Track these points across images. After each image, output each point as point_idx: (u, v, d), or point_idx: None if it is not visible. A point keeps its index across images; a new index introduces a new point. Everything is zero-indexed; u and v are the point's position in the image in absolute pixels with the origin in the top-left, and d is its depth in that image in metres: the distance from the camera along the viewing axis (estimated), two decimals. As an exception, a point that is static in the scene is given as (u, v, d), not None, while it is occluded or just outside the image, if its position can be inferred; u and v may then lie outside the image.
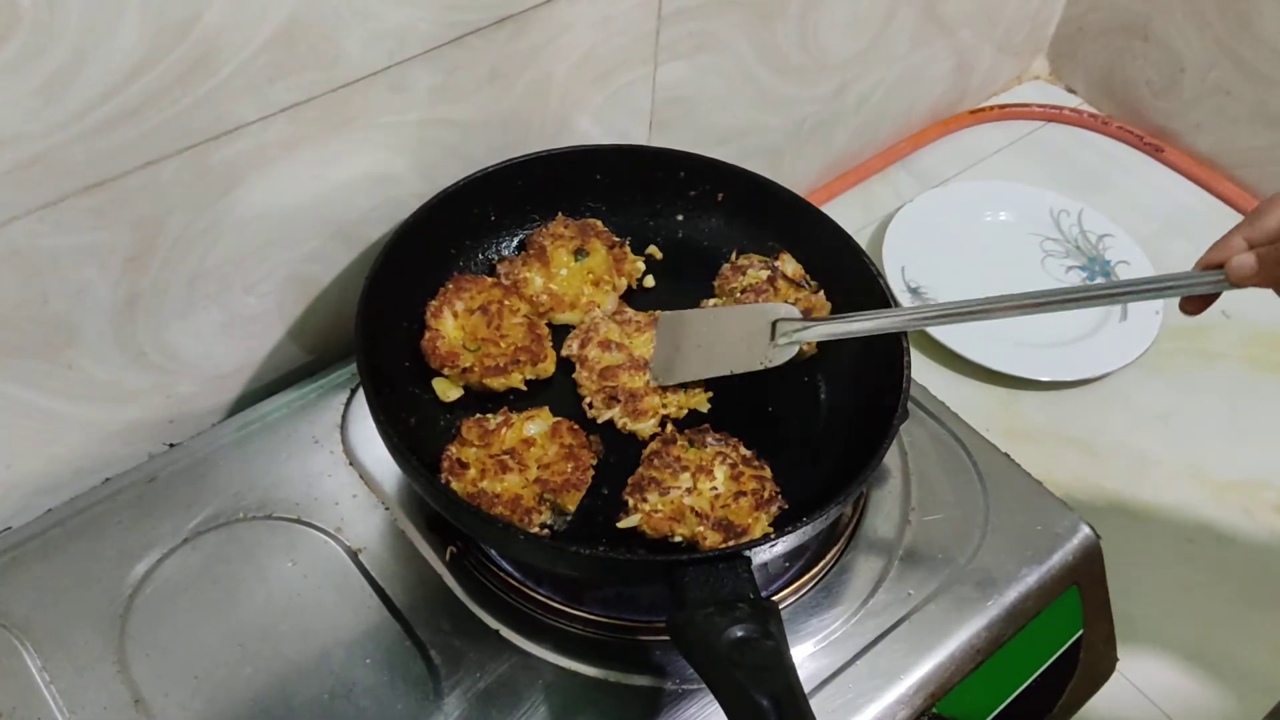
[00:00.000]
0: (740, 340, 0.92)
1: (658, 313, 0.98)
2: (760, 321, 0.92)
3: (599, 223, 1.03)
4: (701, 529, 0.82)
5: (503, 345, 0.92)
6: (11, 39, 0.67)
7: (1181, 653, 1.04)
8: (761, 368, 0.91)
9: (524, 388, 0.93)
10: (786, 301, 0.97)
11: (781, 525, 0.83)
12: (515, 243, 1.03)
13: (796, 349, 0.90)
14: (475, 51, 0.92)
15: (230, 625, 0.84)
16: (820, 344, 0.97)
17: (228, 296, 0.93)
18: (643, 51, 1.05)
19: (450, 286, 0.95)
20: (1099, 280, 0.75)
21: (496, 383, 0.91)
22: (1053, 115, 1.57)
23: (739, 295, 0.98)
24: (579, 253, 0.99)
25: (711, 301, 1.00)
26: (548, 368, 0.94)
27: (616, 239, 1.02)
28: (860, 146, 1.45)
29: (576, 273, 0.99)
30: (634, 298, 1.02)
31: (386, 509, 0.91)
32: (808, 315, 0.94)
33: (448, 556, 0.88)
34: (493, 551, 0.88)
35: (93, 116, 0.73)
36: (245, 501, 0.91)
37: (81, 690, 0.80)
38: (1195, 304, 0.79)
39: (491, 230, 1.02)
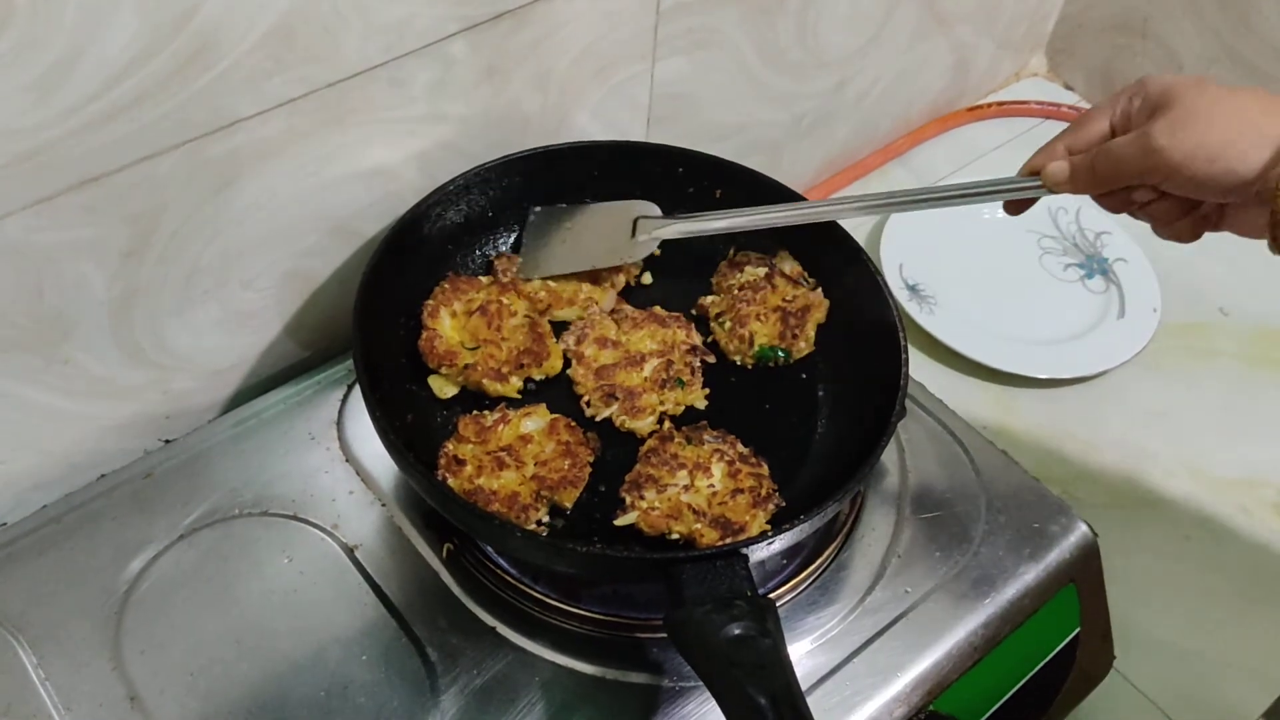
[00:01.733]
0: (604, 236, 0.96)
1: (657, 308, 0.98)
2: (623, 218, 0.96)
3: None
4: (699, 526, 0.82)
5: (504, 348, 0.92)
6: (6, 33, 0.67)
7: (1178, 650, 1.04)
8: (621, 263, 0.96)
9: (519, 396, 0.92)
10: (784, 299, 0.97)
11: (779, 523, 0.82)
12: (513, 239, 1.03)
13: (655, 245, 0.95)
14: (473, 47, 0.91)
15: (226, 622, 0.84)
16: (817, 341, 0.97)
17: (224, 292, 0.92)
18: (641, 47, 1.05)
19: (446, 287, 0.94)
20: (989, 184, 0.84)
21: (494, 388, 0.91)
22: (1051, 112, 1.57)
23: (737, 292, 0.98)
24: None
25: (708, 297, 1.00)
26: (554, 365, 0.94)
27: None
28: (859, 143, 1.45)
29: None
30: (632, 294, 1.02)
31: (383, 505, 0.91)
32: (668, 215, 0.97)
33: (444, 553, 0.88)
34: (489, 548, 0.88)
35: (88, 111, 0.73)
36: (241, 498, 0.91)
37: (77, 687, 0.80)
38: (1015, 206, 0.84)
39: (489, 226, 1.02)
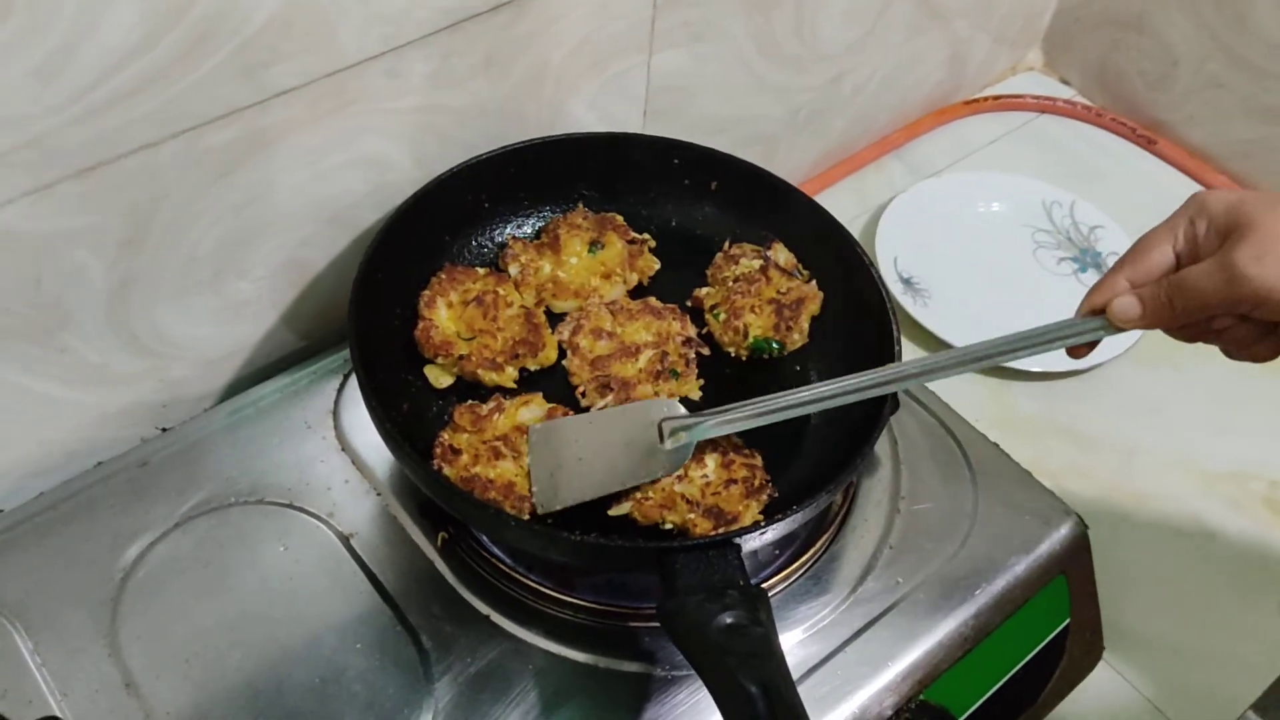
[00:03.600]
0: (627, 448, 0.83)
1: (652, 300, 0.98)
2: (642, 424, 0.83)
3: (619, 217, 1.03)
4: (692, 516, 0.82)
5: (500, 338, 0.92)
6: (7, 20, 0.67)
7: (1167, 642, 1.05)
8: (660, 478, 0.83)
9: (514, 386, 0.93)
10: (778, 291, 0.97)
11: (772, 513, 0.83)
12: (509, 229, 1.03)
13: (692, 449, 0.82)
14: (471, 38, 0.92)
15: (222, 609, 0.84)
16: (811, 333, 0.98)
17: (221, 281, 0.93)
18: (638, 39, 1.05)
19: (442, 277, 0.95)
20: (1006, 336, 0.75)
21: (489, 377, 0.91)
22: (1046, 107, 1.57)
23: (732, 284, 0.98)
24: (593, 245, 0.99)
25: (705, 293, 1.01)
26: (549, 355, 0.94)
27: (636, 235, 1.02)
28: (855, 136, 1.45)
29: (587, 264, 0.99)
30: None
31: (378, 494, 0.92)
32: (690, 407, 0.86)
33: (439, 542, 0.89)
34: (484, 537, 0.88)
35: (88, 99, 0.73)
36: (237, 486, 0.91)
37: (73, 673, 0.80)
38: (1082, 350, 0.78)
39: (486, 217, 1.03)
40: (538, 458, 0.84)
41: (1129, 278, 0.75)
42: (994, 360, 0.77)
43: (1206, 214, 0.73)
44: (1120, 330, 0.74)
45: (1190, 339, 0.76)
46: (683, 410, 0.83)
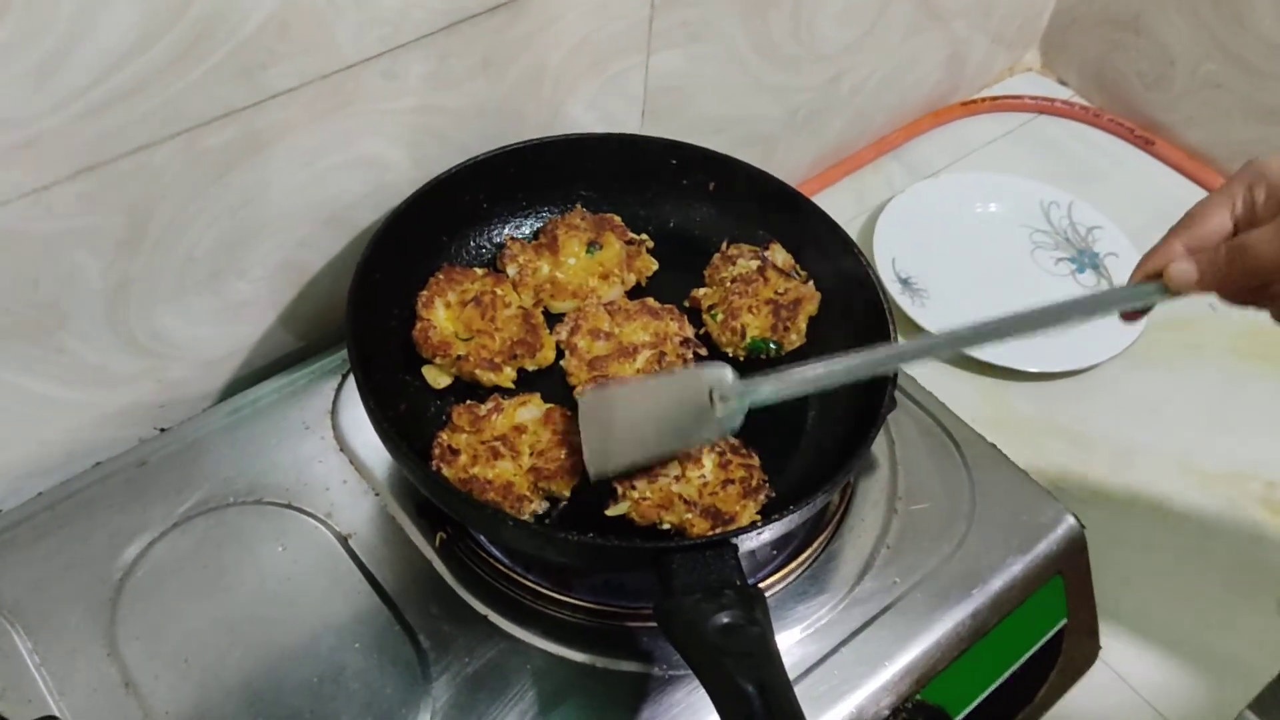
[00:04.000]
0: (678, 414, 0.82)
1: (649, 300, 0.98)
2: (693, 389, 0.82)
3: (617, 217, 1.03)
4: (689, 516, 0.82)
5: (498, 339, 0.93)
6: (4, 20, 0.67)
7: (1164, 641, 1.05)
8: (713, 441, 0.84)
9: (513, 386, 0.93)
10: (776, 292, 0.97)
11: (769, 513, 0.83)
12: (507, 230, 1.04)
13: (743, 414, 0.81)
14: (468, 39, 0.92)
15: (220, 609, 0.84)
16: (808, 333, 0.98)
17: (219, 282, 0.93)
18: (636, 39, 1.05)
19: (440, 277, 0.95)
20: (1064, 299, 0.73)
21: (487, 377, 0.91)
22: (1044, 107, 1.58)
23: (729, 285, 0.98)
24: (591, 245, 1.00)
25: (702, 293, 1.01)
26: (547, 356, 0.94)
27: (634, 236, 1.02)
28: (853, 136, 1.45)
29: (585, 264, 0.99)
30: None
31: (376, 494, 0.92)
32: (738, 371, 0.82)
33: (437, 542, 0.89)
34: (482, 538, 0.89)
35: (85, 100, 0.73)
36: (236, 486, 0.91)
37: (72, 673, 0.80)
38: (1135, 313, 0.79)
39: (484, 217, 1.03)
40: (589, 424, 0.84)
41: (1184, 243, 0.75)
42: (1058, 324, 0.76)
43: (1265, 180, 0.73)
44: (1176, 296, 0.74)
45: (1242, 303, 0.76)
46: (733, 377, 0.81)
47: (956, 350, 0.78)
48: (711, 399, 0.80)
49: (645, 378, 0.89)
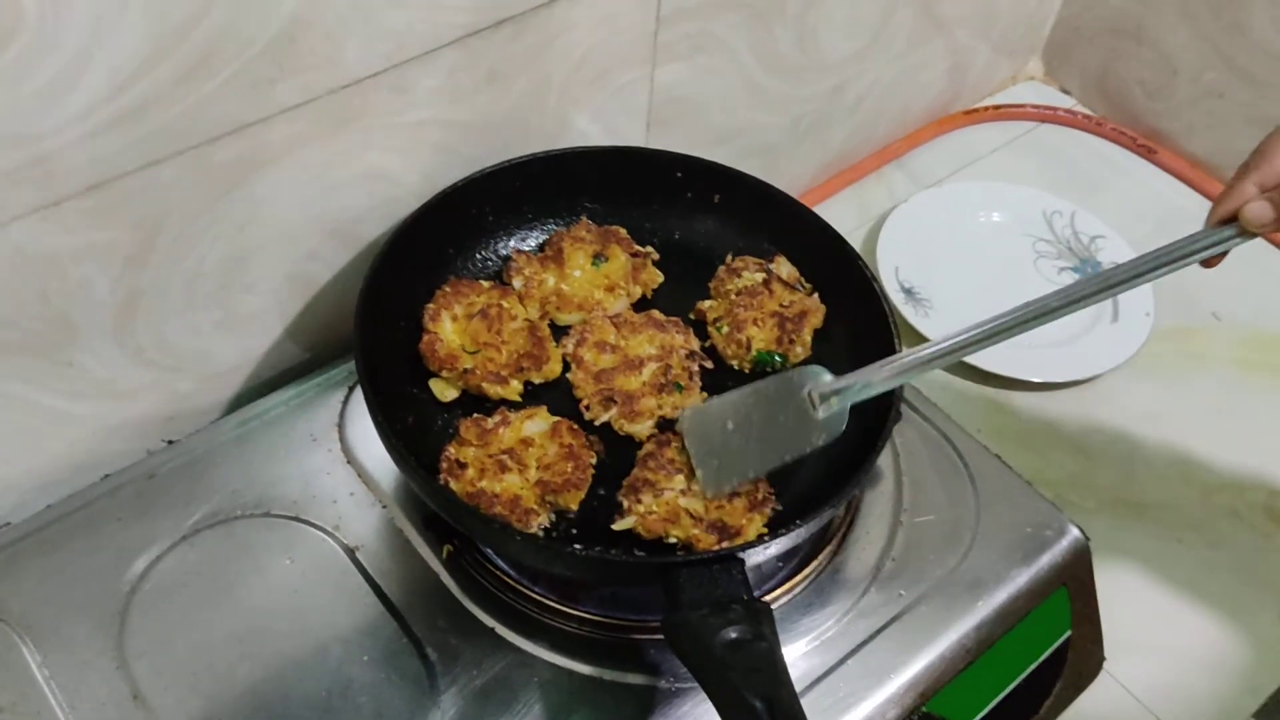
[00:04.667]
0: (781, 422, 0.83)
1: (655, 312, 0.98)
2: (789, 395, 0.82)
3: (622, 230, 1.03)
4: (696, 531, 0.83)
5: (504, 351, 0.93)
6: (14, 40, 0.67)
7: (1168, 653, 1.05)
8: (818, 446, 0.83)
9: (519, 399, 0.93)
10: (781, 304, 0.98)
11: (775, 527, 0.84)
12: (513, 243, 1.04)
13: (846, 414, 0.81)
14: (474, 53, 0.92)
15: (228, 622, 0.85)
16: (813, 346, 0.98)
17: (227, 295, 0.93)
18: (641, 52, 1.06)
19: (447, 290, 0.95)
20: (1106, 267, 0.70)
21: (494, 390, 0.91)
22: (1047, 116, 1.58)
23: (734, 297, 0.98)
24: (596, 258, 1.00)
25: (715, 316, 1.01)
26: (553, 368, 0.95)
27: (639, 248, 1.03)
28: (856, 146, 1.46)
29: (591, 276, 1.00)
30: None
31: (384, 507, 0.92)
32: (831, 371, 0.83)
33: (445, 555, 0.89)
34: (489, 551, 0.89)
35: (95, 117, 0.74)
36: (244, 499, 0.91)
37: (81, 686, 0.80)
38: (1215, 260, 0.76)
39: (490, 230, 1.03)
40: (696, 442, 0.85)
41: (1257, 182, 0.73)
42: (1144, 279, 0.75)
43: None
44: (1252, 237, 0.73)
45: None
46: (829, 376, 0.82)
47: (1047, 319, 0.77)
48: (812, 401, 0.81)
49: (739, 390, 0.88)
